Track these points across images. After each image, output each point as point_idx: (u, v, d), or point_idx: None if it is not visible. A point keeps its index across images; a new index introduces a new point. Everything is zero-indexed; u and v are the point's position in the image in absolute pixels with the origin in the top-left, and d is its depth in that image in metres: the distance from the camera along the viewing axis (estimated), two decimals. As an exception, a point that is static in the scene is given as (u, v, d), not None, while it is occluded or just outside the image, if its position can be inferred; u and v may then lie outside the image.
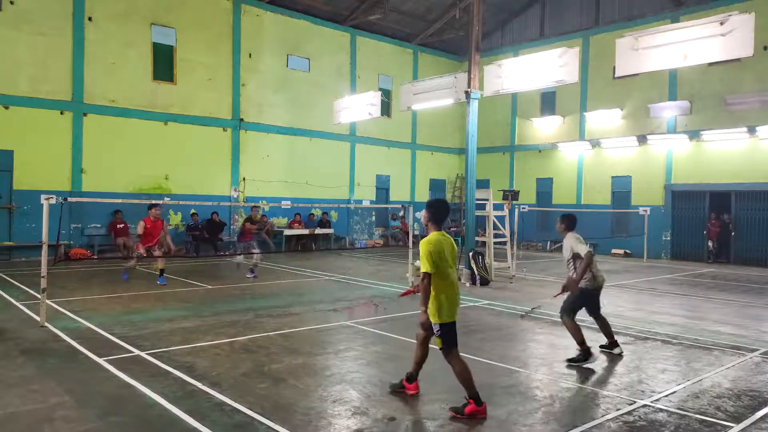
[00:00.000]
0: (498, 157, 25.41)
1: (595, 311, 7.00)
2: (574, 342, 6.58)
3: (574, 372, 6.19)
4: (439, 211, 5.10)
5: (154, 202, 12.01)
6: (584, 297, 6.79)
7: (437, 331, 4.92)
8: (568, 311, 6.73)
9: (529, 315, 9.34)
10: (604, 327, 7.02)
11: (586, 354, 6.44)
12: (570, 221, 7.10)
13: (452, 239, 5.14)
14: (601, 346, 7.06)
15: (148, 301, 9.95)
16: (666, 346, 7.48)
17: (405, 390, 5.30)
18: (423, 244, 4.90)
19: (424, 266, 4.84)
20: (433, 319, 4.90)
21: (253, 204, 14.28)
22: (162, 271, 12.12)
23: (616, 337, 7.12)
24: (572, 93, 22.61)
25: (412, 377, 5.33)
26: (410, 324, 8.49)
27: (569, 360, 6.54)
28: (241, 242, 13.62)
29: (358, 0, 21.72)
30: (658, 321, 9.10)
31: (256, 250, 13.32)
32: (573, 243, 6.75)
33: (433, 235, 4.97)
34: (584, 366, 6.38)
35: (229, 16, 19.43)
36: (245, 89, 19.87)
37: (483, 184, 22.80)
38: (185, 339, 7.22)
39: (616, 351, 6.90)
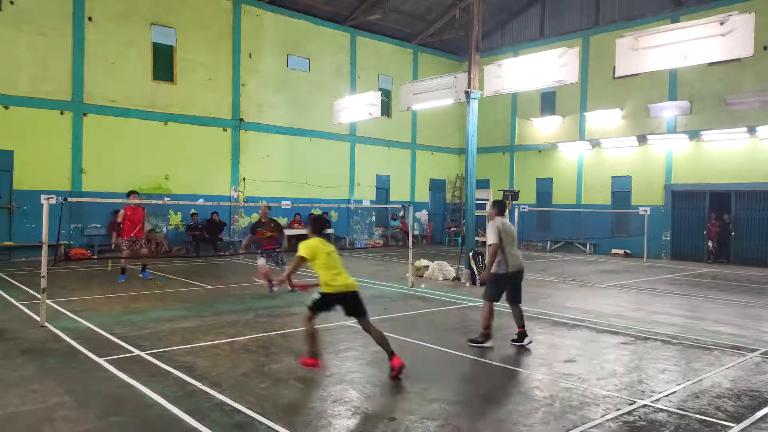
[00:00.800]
0: (498, 157, 25.41)
1: (514, 298, 7.35)
2: (572, 343, 6.59)
3: (574, 372, 6.19)
4: (318, 223, 6.50)
5: (132, 189, 12.17)
6: (498, 282, 7.23)
7: (318, 294, 6.02)
8: (488, 296, 7.30)
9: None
10: (518, 317, 7.36)
11: (485, 337, 7.14)
12: (501, 208, 7.67)
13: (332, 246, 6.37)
14: (513, 341, 7.33)
15: (148, 301, 9.94)
16: (666, 346, 7.48)
17: (314, 366, 5.90)
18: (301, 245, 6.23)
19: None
20: (322, 289, 6.01)
21: (263, 204, 12.19)
22: (145, 265, 12.09)
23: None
24: (572, 93, 22.61)
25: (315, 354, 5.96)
26: (411, 324, 8.49)
27: (470, 340, 7.27)
28: (264, 252, 11.41)
29: (358, 0, 21.72)
30: (658, 321, 9.10)
31: (280, 260, 11.51)
32: (489, 231, 7.38)
33: (312, 240, 6.25)
34: (483, 347, 7.06)
35: (229, 16, 19.43)
36: (245, 89, 19.87)
37: (483, 184, 22.85)
38: (185, 339, 7.22)
39: (525, 342, 7.19)
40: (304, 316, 6.04)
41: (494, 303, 7.29)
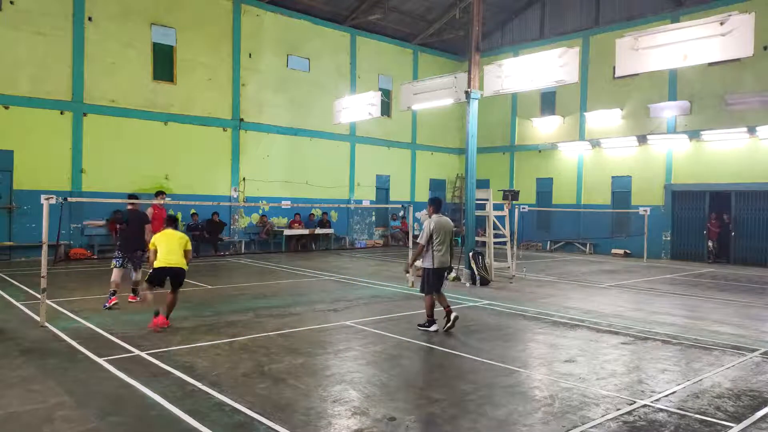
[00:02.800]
0: (498, 157, 25.41)
1: (438, 288, 8.25)
2: (572, 343, 6.57)
3: (574, 372, 6.19)
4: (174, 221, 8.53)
5: (160, 189, 11.99)
6: (433, 275, 8.05)
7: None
8: (429, 289, 8.07)
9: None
10: (442, 300, 8.21)
11: (431, 323, 7.99)
12: (437, 205, 8.34)
13: (180, 234, 8.25)
14: (445, 330, 7.94)
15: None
16: (666, 346, 7.49)
17: (156, 324, 7.65)
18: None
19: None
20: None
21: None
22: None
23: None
24: (572, 93, 22.61)
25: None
26: (411, 324, 8.49)
27: (419, 325, 8.10)
28: None
29: (358, 0, 21.72)
30: (658, 321, 9.11)
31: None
32: (424, 227, 8.13)
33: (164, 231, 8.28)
34: (429, 330, 7.89)
35: (229, 16, 19.43)
36: (245, 89, 19.87)
37: (483, 184, 22.82)
38: (185, 339, 7.22)
39: (452, 316, 7.91)
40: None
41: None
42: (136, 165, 17.28)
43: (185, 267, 8.09)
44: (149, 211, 11.11)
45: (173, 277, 7.99)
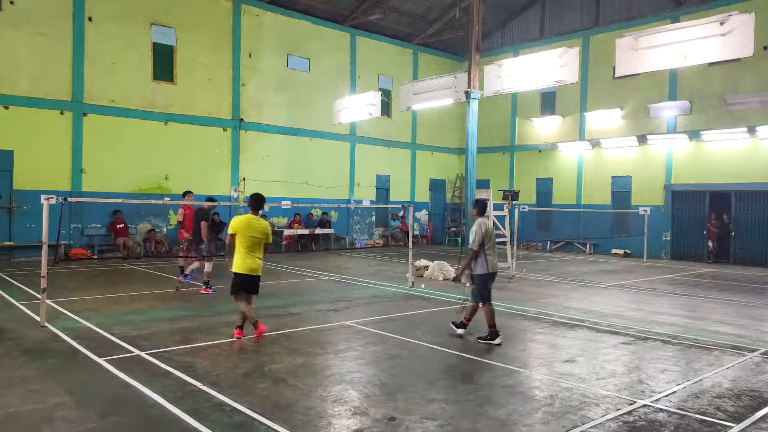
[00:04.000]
0: (498, 157, 25.41)
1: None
2: (572, 343, 6.58)
3: (574, 372, 6.19)
4: (257, 201, 7.27)
5: (187, 190, 12.57)
6: (488, 280, 7.52)
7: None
8: (485, 297, 7.48)
9: (462, 305, 9.19)
10: (474, 310, 7.68)
11: (494, 335, 7.35)
12: (482, 207, 7.90)
13: (264, 222, 7.23)
14: (479, 338, 7.51)
15: (148, 301, 9.95)
16: (666, 346, 7.48)
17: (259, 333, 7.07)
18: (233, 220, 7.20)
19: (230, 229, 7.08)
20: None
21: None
22: (193, 269, 11.50)
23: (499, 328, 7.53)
24: (572, 93, 22.61)
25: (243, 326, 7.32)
26: (411, 324, 8.49)
27: (479, 338, 7.47)
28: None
29: (358, 0, 21.72)
30: (658, 321, 9.10)
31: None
32: (471, 233, 7.56)
33: (244, 216, 7.16)
34: (494, 344, 7.27)
35: (229, 16, 19.43)
36: (245, 89, 19.87)
37: (483, 184, 22.86)
38: (185, 339, 7.22)
39: (496, 341, 7.31)
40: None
41: (493, 303, 7.49)
42: (136, 165, 17.28)
43: (260, 272, 7.23)
44: (181, 213, 11.95)
45: (250, 286, 7.17)
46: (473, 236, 7.45)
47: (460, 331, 7.68)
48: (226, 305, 9.66)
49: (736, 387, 5.76)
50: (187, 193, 12.04)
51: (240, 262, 7.03)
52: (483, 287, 7.49)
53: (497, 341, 7.29)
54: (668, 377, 6.06)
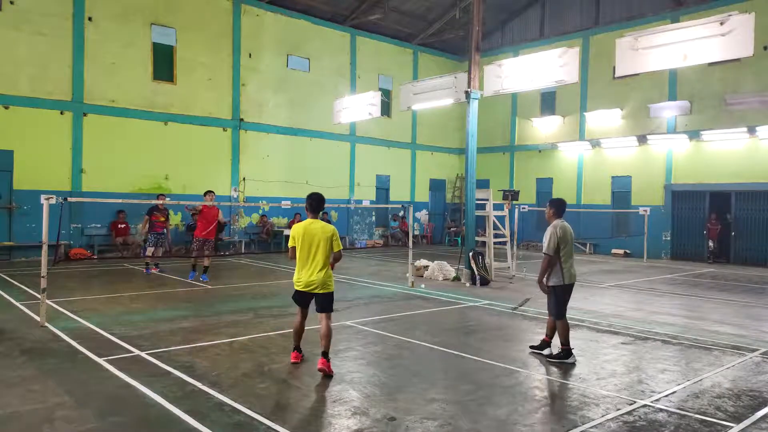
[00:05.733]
0: (498, 157, 25.41)
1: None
2: (572, 343, 6.57)
3: (574, 372, 6.19)
4: (317, 202, 6.28)
5: (209, 189, 12.97)
6: (564, 292, 6.66)
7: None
8: (560, 312, 6.65)
9: (519, 308, 9.30)
10: (553, 329, 6.82)
11: (567, 353, 6.57)
12: (559, 207, 6.87)
13: (328, 226, 6.08)
14: (532, 347, 7.02)
15: (148, 301, 9.95)
16: (666, 346, 7.48)
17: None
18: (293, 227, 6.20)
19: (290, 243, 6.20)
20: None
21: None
22: (206, 268, 12.48)
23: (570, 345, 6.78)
24: (572, 93, 22.61)
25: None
26: (411, 324, 8.49)
27: (549, 357, 6.66)
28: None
29: (358, 0, 21.72)
30: (658, 321, 9.10)
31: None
32: (546, 236, 6.69)
33: (302, 222, 6.19)
34: (567, 362, 6.50)
35: (229, 16, 19.42)
36: (245, 89, 19.87)
37: (483, 184, 22.81)
38: (185, 339, 7.22)
39: (569, 360, 6.55)
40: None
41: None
42: (136, 165, 17.28)
43: (331, 287, 6.00)
44: (198, 208, 12.49)
45: (318, 305, 6.02)
46: (547, 240, 6.59)
47: (546, 351, 6.80)
48: (227, 305, 9.67)
49: (736, 387, 5.76)
50: (208, 192, 12.51)
51: (298, 276, 6.04)
52: (557, 300, 6.63)
53: (571, 360, 6.53)
54: (668, 377, 6.06)
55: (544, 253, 6.60)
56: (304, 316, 6.17)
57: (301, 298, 6.09)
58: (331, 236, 5.95)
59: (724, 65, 17.92)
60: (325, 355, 5.82)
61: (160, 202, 12.98)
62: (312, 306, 6.08)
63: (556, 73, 11.55)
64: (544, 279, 6.67)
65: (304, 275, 5.95)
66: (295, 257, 6.06)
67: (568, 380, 5.88)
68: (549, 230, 6.66)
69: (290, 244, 6.15)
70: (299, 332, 6.24)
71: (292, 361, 6.20)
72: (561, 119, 23.52)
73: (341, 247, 6.06)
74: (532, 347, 7.04)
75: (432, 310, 9.74)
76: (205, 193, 12.42)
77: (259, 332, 7.70)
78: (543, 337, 7.03)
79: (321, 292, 5.93)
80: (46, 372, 5.75)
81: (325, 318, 5.92)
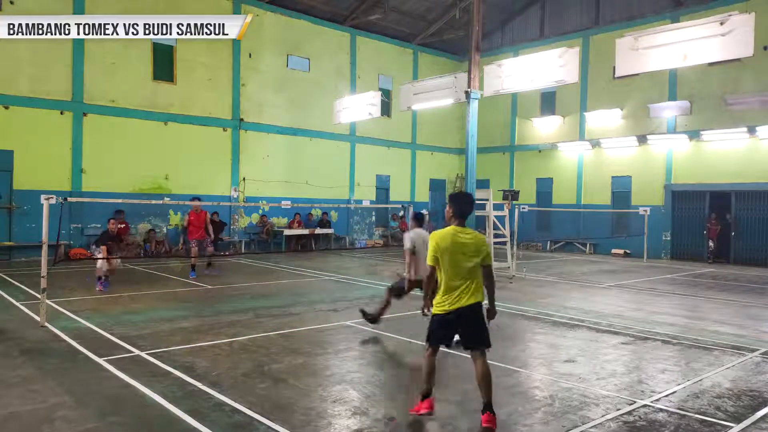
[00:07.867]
0: (498, 157, 25.40)
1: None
2: (572, 343, 6.57)
3: (574, 372, 6.18)
4: (467, 204, 4.84)
5: (195, 196, 14.02)
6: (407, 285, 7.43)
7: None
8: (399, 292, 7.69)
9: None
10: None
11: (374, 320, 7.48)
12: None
13: (479, 236, 4.70)
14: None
15: (148, 301, 9.94)
16: (666, 346, 7.48)
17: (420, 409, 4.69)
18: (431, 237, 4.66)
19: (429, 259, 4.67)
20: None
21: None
22: (209, 263, 13.45)
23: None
24: (572, 93, 22.60)
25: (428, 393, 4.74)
26: (410, 324, 8.49)
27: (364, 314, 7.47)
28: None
29: (358, 0, 21.71)
30: (658, 321, 9.10)
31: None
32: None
33: (445, 230, 4.68)
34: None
35: (229, 16, 19.41)
36: (245, 89, 19.86)
37: (483, 184, 22.82)
38: (185, 339, 7.22)
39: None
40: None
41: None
42: (136, 165, 17.28)
43: (493, 309, 4.73)
44: (186, 219, 13.40)
45: (468, 337, 4.63)
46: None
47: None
48: (227, 305, 9.66)
49: (736, 387, 5.76)
50: (194, 198, 13.41)
51: (444, 297, 4.56)
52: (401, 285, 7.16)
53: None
54: (668, 377, 6.06)
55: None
56: (436, 353, 4.85)
57: (445, 328, 4.65)
58: (483, 248, 4.62)
59: (724, 65, 17.90)
60: (489, 406, 4.51)
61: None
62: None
63: (556, 73, 11.55)
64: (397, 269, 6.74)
65: (456, 295, 4.55)
66: (434, 278, 4.75)
67: (568, 380, 5.88)
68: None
69: (430, 262, 4.65)
70: (429, 375, 4.77)
71: (418, 411, 4.71)
72: (561, 119, 23.52)
73: (492, 261, 4.76)
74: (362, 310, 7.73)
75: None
76: (192, 199, 13.13)
77: (259, 332, 7.70)
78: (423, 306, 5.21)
79: (477, 314, 4.61)
80: (46, 372, 5.75)
81: (479, 358, 4.63)
